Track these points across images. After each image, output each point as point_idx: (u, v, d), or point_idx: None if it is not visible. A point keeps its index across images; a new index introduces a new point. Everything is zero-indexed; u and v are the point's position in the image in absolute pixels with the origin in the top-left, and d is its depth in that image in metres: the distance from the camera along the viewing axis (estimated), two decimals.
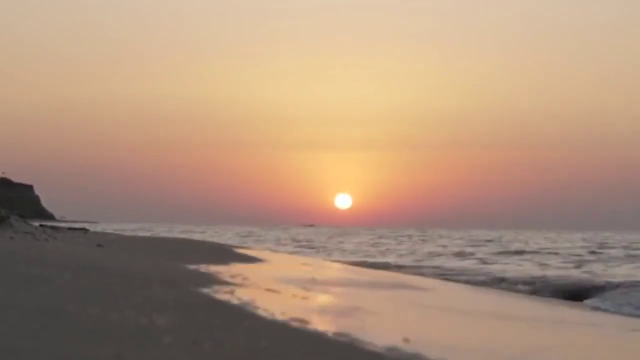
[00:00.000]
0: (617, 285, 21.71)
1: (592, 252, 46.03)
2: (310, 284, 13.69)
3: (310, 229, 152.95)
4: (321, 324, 7.47)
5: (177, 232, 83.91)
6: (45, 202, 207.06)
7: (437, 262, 36.21)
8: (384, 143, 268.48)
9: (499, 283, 23.79)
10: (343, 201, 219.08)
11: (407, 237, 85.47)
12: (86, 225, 51.44)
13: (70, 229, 35.24)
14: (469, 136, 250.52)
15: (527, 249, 51.82)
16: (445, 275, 26.19)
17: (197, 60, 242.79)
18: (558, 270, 30.08)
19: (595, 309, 17.68)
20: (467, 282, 24.02)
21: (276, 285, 11.69)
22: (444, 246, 57.55)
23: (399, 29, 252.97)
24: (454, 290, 19.52)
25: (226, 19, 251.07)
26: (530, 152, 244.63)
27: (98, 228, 62.18)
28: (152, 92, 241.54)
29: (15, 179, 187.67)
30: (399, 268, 30.12)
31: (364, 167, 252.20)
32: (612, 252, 47.38)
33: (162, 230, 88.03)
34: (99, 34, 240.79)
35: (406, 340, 7.00)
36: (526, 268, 31.43)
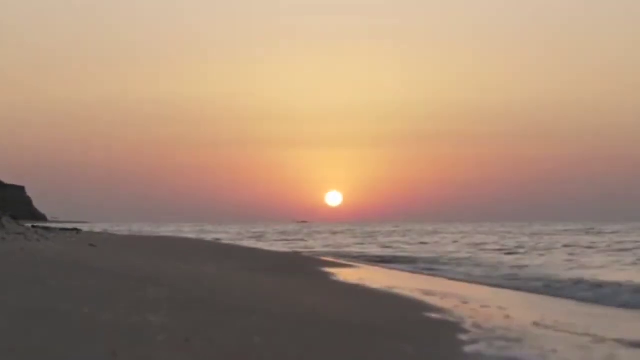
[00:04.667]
0: None
1: None
2: None
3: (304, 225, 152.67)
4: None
5: (169, 231, 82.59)
6: (37, 203, 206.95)
7: None
8: (374, 140, 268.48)
9: None
10: (333, 198, 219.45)
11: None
12: (78, 226, 51.40)
13: (62, 229, 35.24)
14: (458, 130, 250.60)
15: None
16: None
17: (191, 59, 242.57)
18: None
19: None
20: None
21: None
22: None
23: (395, 26, 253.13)
24: None
25: (223, 18, 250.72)
26: (522, 144, 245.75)
27: (94, 228, 61.94)
28: (145, 92, 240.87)
29: (7, 180, 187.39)
30: None
31: (354, 164, 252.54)
32: None
33: (148, 230, 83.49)
34: (95, 32, 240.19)
35: None
36: None
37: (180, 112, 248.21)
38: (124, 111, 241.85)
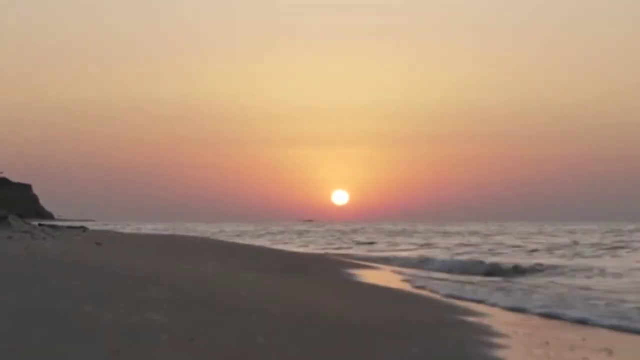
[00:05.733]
0: None
1: None
2: None
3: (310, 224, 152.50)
4: None
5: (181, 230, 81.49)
6: (43, 201, 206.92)
7: None
8: (375, 139, 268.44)
9: None
10: (340, 197, 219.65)
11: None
12: (85, 224, 51.47)
13: (69, 227, 35.32)
14: (458, 130, 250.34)
15: None
16: None
17: (191, 59, 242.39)
18: None
19: None
20: None
21: None
22: None
23: (395, 26, 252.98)
24: None
25: (223, 18, 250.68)
26: (522, 144, 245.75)
27: (101, 227, 61.98)
28: (150, 91, 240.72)
29: (14, 178, 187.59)
30: None
31: (360, 163, 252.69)
32: None
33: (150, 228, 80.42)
34: (95, 32, 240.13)
35: None
36: None
37: (180, 112, 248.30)
38: (124, 111, 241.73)
